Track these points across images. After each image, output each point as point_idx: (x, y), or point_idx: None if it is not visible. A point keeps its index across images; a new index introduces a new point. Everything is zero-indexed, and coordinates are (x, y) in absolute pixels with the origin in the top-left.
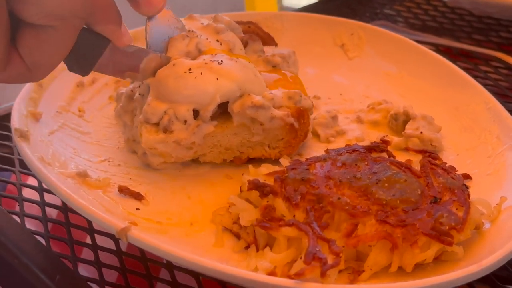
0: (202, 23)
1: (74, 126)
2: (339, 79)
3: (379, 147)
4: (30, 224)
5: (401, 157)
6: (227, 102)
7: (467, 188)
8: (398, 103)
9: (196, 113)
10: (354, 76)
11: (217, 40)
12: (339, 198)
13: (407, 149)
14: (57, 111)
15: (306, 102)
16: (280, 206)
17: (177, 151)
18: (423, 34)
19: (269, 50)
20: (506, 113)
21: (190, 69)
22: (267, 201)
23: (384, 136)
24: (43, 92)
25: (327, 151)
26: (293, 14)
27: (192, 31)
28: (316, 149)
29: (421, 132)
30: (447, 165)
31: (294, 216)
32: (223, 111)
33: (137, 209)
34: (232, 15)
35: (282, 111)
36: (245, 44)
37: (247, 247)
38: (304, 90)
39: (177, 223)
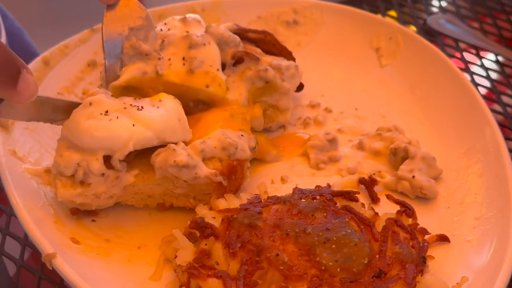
0: (186, 32)
1: None
2: (362, 89)
3: (350, 195)
4: None
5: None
6: (150, 149)
7: (424, 262)
8: (409, 132)
9: (108, 159)
10: (379, 88)
11: (183, 58)
12: (277, 255)
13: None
14: (58, 93)
15: (242, 155)
16: (217, 253)
17: (97, 202)
18: (487, 39)
19: (269, 60)
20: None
21: (106, 112)
22: (206, 244)
23: (374, 174)
24: (49, 71)
25: (294, 189)
26: (334, 6)
27: (161, 30)
28: (301, 174)
29: (413, 176)
30: (418, 227)
31: (229, 265)
32: (145, 159)
33: (93, 220)
34: (271, 1)
35: (209, 170)
36: (241, 60)
37: (181, 287)
38: (248, 129)
39: (124, 243)
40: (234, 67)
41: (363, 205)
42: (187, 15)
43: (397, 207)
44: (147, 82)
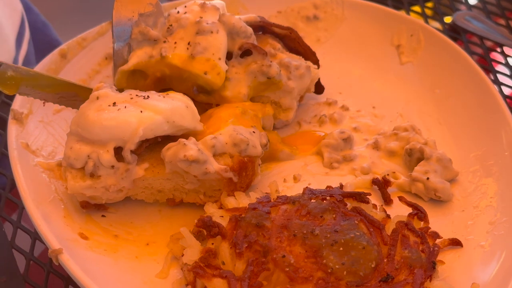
0: (200, 17)
1: None
2: (381, 87)
3: (361, 196)
4: None
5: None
6: (161, 144)
7: (434, 267)
8: (426, 132)
9: (119, 151)
10: (398, 86)
11: (188, 43)
12: (284, 256)
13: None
14: None
15: (253, 151)
16: (224, 252)
17: (107, 195)
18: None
19: (283, 56)
20: None
21: (114, 103)
22: (212, 243)
23: (388, 174)
24: (66, 64)
25: (305, 189)
26: (356, 2)
27: (169, 14)
28: (314, 173)
29: (428, 178)
30: (429, 230)
31: (235, 265)
32: (155, 152)
33: (102, 216)
34: None
35: (219, 166)
36: (249, 53)
37: (187, 285)
38: (259, 125)
39: (133, 240)
40: (241, 59)
41: (375, 206)
42: (208, 2)
43: (410, 209)
44: (153, 65)
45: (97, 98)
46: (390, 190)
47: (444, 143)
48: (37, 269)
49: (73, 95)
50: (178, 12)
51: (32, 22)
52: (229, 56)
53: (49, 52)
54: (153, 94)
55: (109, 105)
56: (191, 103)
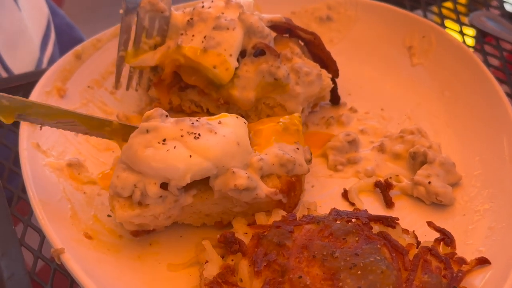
0: (221, 13)
1: (100, 104)
2: (391, 88)
3: (388, 220)
4: None
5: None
6: None
7: None
8: (434, 135)
9: (164, 185)
10: (408, 88)
11: (204, 37)
12: (300, 277)
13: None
14: (88, 86)
15: (299, 170)
16: (243, 270)
17: (155, 222)
18: None
19: (297, 61)
20: None
21: (164, 140)
22: (232, 260)
23: (390, 177)
24: (80, 65)
25: (331, 210)
26: (369, 3)
27: (194, 8)
28: (318, 175)
29: (429, 182)
30: (455, 256)
31: (252, 283)
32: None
33: (108, 215)
34: None
35: (269, 189)
36: (263, 53)
37: None
38: (301, 137)
39: (136, 240)
40: (254, 58)
41: (405, 231)
42: None
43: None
44: (170, 55)
45: (147, 131)
46: (392, 193)
47: (450, 146)
48: (44, 267)
49: (71, 122)
50: (203, 6)
51: (58, 24)
52: (243, 54)
53: None
54: (204, 130)
55: (158, 142)
56: (243, 136)
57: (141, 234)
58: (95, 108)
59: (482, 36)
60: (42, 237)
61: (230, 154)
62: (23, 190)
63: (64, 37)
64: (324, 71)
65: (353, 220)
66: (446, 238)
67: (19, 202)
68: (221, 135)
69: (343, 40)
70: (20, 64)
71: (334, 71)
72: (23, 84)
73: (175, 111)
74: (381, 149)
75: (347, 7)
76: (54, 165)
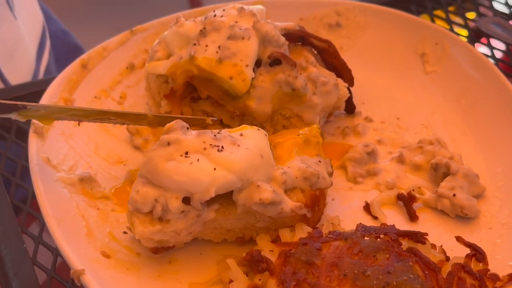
0: (235, 22)
1: None
2: (405, 97)
3: (417, 236)
4: None
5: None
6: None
7: None
8: (452, 145)
9: (187, 200)
10: (422, 96)
11: (219, 47)
12: None
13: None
14: (95, 96)
15: (323, 183)
16: None
17: (175, 238)
18: None
19: (313, 70)
20: None
21: (186, 153)
22: (260, 279)
23: (413, 190)
24: (86, 74)
25: (358, 225)
26: (379, 9)
27: (205, 17)
28: (337, 188)
29: (454, 195)
30: (488, 273)
31: None
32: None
33: (124, 232)
34: (314, 1)
35: (294, 204)
36: (278, 62)
37: None
38: (322, 152)
39: (155, 258)
40: (269, 67)
41: (433, 246)
42: (247, 7)
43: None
44: (182, 65)
45: (168, 143)
46: (415, 205)
47: (470, 156)
48: (58, 285)
49: (106, 118)
50: (215, 15)
51: (52, 31)
52: (258, 63)
53: (69, 61)
54: (227, 143)
55: (180, 155)
56: (265, 149)
57: (161, 251)
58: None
59: (491, 43)
60: (55, 255)
61: (254, 167)
62: (26, 202)
63: (59, 44)
64: (340, 80)
65: (381, 236)
66: (477, 254)
67: (19, 215)
68: (244, 148)
69: (354, 47)
70: (17, 74)
71: (349, 80)
72: (24, 94)
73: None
74: (400, 160)
75: (356, 13)
76: (66, 180)
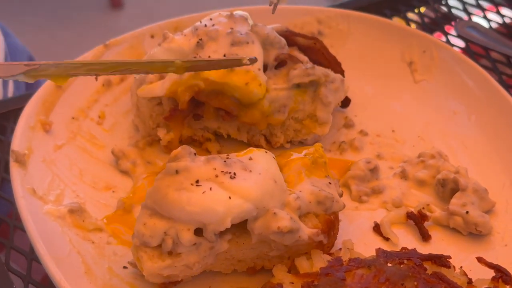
0: (231, 28)
1: (88, 137)
2: (397, 107)
3: (441, 260)
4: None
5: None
6: None
7: None
8: (453, 158)
9: (199, 231)
10: (415, 106)
11: (224, 55)
12: None
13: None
14: (72, 117)
15: (337, 206)
16: None
17: (185, 272)
18: None
19: (318, 69)
20: None
21: (197, 181)
22: None
23: (423, 207)
24: (62, 94)
25: (378, 251)
26: (361, 16)
27: (196, 29)
28: (344, 209)
29: (467, 212)
30: None
31: None
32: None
33: (124, 267)
34: (294, 9)
35: (310, 231)
36: (284, 63)
37: None
38: (328, 170)
39: None
40: (276, 70)
41: (453, 268)
42: (235, 12)
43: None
44: (185, 82)
45: (176, 172)
46: (425, 224)
47: (473, 169)
48: None
49: (127, 70)
50: (205, 25)
51: (11, 45)
52: (264, 67)
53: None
54: (239, 169)
55: (191, 184)
56: (277, 173)
57: (169, 286)
58: (83, 141)
59: (470, 47)
60: None
61: (269, 194)
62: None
63: (18, 59)
64: (338, 75)
65: (405, 261)
66: (503, 275)
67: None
68: (257, 173)
69: (337, 56)
70: None
71: (340, 73)
72: None
73: (184, 143)
74: (403, 175)
75: (338, 20)
76: (55, 212)
